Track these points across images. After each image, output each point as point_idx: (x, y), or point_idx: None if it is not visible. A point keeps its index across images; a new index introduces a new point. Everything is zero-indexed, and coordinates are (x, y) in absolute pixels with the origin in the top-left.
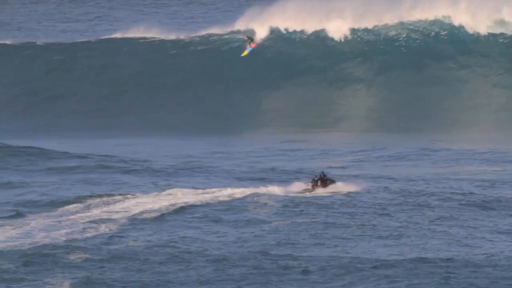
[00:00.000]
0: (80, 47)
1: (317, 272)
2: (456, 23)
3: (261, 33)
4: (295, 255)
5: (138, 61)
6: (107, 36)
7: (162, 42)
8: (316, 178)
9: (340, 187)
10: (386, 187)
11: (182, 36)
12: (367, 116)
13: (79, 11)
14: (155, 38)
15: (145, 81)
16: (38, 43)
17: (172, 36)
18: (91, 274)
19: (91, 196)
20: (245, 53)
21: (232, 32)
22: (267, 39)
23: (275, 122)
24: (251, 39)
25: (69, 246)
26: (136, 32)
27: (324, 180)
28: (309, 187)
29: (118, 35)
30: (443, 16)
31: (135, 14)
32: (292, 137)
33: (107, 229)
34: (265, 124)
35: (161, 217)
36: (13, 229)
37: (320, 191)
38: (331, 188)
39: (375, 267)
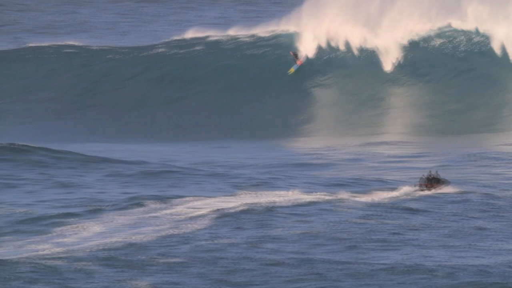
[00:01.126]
0: (154, 49)
1: (401, 271)
2: None
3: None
4: (381, 256)
5: (216, 63)
6: (184, 36)
7: (235, 40)
8: (425, 177)
9: (446, 187)
10: (475, 190)
11: (257, 32)
12: (448, 117)
13: (167, 12)
14: (233, 35)
15: (225, 84)
16: (103, 45)
17: (252, 32)
18: (172, 274)
19: (171, 197)
20: (292, 70)
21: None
22: (316, 48)
23: (349, 124)
24: (296, 55)
25: (150, 246)
26: (213, 32)
27: (432, 180)
28: (418, 186)
29: (199, 33)
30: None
31: (220, 14)
32: (369, 140)
33: (188, 229)
34: (340, 127)
35: (245, 217)
36: (93, 227)
37: (429, 191)
38: (439, 188)
39: (459, 269)
